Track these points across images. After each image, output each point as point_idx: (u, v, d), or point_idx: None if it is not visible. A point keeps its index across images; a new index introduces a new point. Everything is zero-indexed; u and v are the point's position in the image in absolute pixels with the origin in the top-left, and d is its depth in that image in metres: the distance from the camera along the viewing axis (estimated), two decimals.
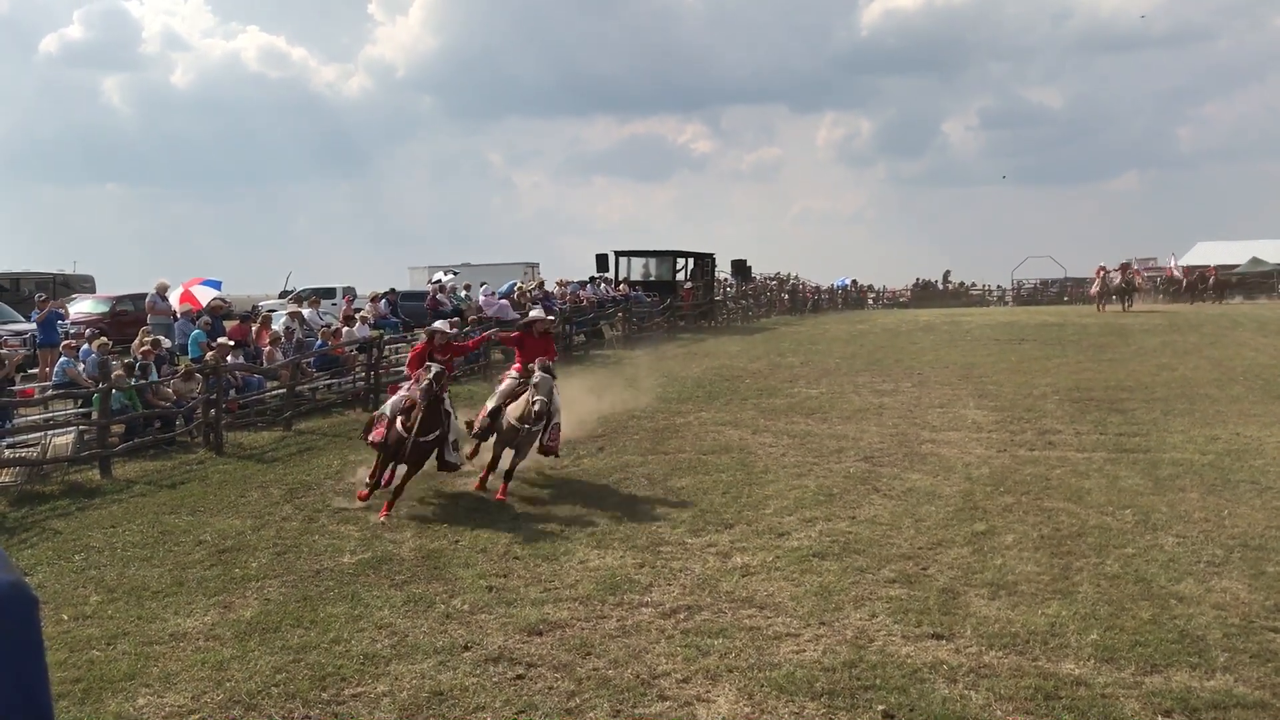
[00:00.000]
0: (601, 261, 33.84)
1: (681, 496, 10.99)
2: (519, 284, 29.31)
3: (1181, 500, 10.28)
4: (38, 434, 13.31)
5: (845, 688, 6.08)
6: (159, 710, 6.08)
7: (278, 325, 18.88)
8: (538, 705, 5.97)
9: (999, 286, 56.92)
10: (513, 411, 11.13)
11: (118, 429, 13.69)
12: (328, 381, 18.49)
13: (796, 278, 47.70)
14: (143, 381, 14.56)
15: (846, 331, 30.75)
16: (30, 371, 18.00)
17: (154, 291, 20.18)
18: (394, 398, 11.35)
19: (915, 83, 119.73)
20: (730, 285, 38.98)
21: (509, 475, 11.17)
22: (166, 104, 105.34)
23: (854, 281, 52.51)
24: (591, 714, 5.87)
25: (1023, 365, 21.22)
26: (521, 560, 8.82)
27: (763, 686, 6.13)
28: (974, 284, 57.31)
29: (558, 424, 11.52)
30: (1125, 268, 36.48)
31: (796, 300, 44.64)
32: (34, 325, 19.17)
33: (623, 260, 34.45)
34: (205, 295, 20.10)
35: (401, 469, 10.77)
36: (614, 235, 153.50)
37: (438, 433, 10.65)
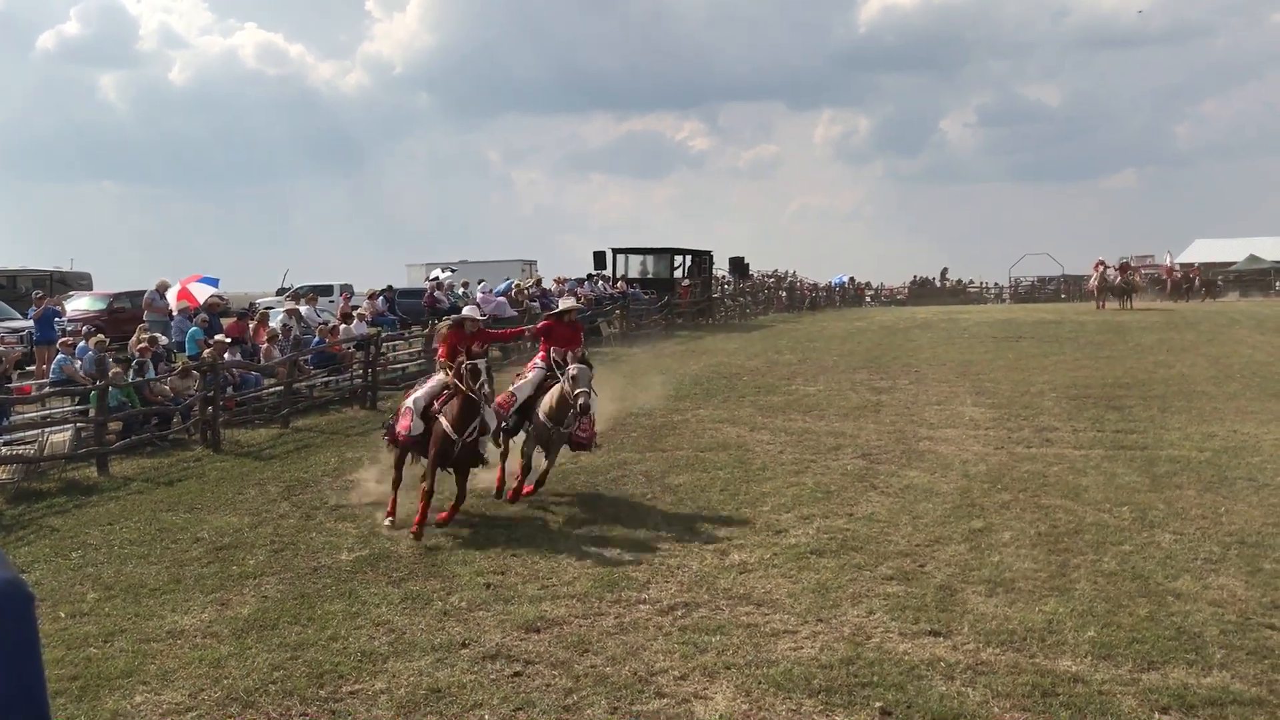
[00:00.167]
0: (599, 259, 33.80)
1: (679, 494, 10.99)
2: (516, 281, 29.33)
3: (1179, 497, 10.30)
4: (35, 431, 13.31)
5: (842, 685, 6.08)
6: (156, 707, 6.08)
7: (275, 322, 18.86)
8: (535, 702, 5.97)
9: (996, 284, 56.93)
10: (543, 407, 10.56)
11: (115, 426, 13.68)
12: (325, 379, 18.48)
13: (794, 275, 47.68)
14: (140, 379, 14.56)
15: (844, 329, 30.74)
16: (27, 369, 17.97)
17: (153, 289, 20.16)
18: (421, 390, 10.40)
19: (913, 80, 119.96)
20: (728, 283, 38.91)
21: (541, 480, 10.82)
22: (164, 101, 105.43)
23: (851, 279, 52.44)
24: (589, 711, 5.87)
25: (1020, 363, 21.22)
26: (519, 557, 8.82)
27: (760, 683, 6.14)
28: (972, 281, 57.38)
29: (592, 416, 10.72)
30: (1125, 268, 36.53)
31: (794, 298, 44.57)
32: (31, 322, 19.13)
33: (620, 258, 34.40)
34: (202, 292, 20.11)
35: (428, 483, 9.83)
36: (612, 232, 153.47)
37: (476, 424, 9.88)
